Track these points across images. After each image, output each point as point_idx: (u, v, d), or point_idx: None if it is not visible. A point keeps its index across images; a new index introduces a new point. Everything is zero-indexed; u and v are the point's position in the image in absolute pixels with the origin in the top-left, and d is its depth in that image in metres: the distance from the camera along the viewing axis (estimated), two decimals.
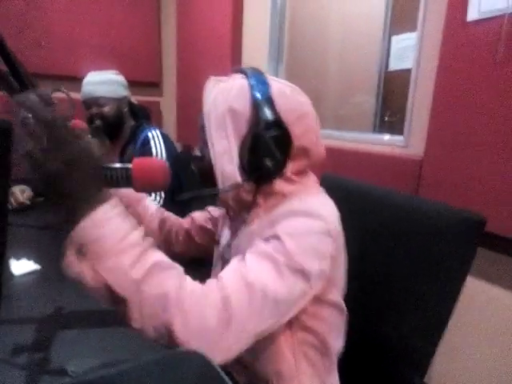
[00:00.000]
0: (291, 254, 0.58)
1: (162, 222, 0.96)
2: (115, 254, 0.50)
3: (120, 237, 0.51)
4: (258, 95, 0.65)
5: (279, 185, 0.69)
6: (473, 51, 0.98)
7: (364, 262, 0.83)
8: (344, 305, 0.71)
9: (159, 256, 0.55)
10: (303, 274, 0.58)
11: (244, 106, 0.66)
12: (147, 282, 0.51)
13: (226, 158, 0.67)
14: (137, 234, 0.53)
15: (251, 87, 0.66)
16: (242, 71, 0.71)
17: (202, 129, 0.72)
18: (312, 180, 0.75)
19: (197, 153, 0.77)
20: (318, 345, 0.68)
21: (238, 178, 0.66)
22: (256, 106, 0.65)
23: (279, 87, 0.68)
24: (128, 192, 0.91)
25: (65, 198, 0.50)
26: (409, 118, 1.26)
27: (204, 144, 0.72)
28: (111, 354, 0.68)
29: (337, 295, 0.69)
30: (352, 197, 0.95)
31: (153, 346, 0.70)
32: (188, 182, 1.69)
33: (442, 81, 1.08)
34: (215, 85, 0.71)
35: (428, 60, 1.16)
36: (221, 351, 0.53)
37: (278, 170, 0.66)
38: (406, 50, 2.37)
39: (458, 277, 0.71)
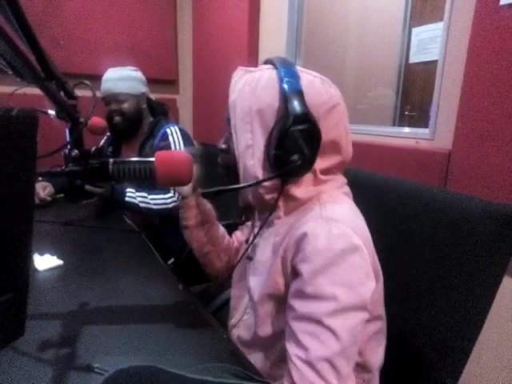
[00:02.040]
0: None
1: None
2: None
3: None
4: (287, 87, 0.61)
5: (306, 184, 0.66)
6: (506, 37, 0.93)
7: (393, 261, 0.80)
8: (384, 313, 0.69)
9: None
10: None
11: (272, 99, 0.63)
12: None
13: (249, 152, 0.65)
14: None
15: (280, 79, 0.63)
16: (270, 62, 0.69)
17: (228, 121, 0.69)
18: (338, 182, 0.71)
19: (221, 146, 0.74)
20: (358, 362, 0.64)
21: (259, 175, 0.64)
22: (285, 99, 0.61)
23: (309, 79, 0.65)
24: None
25: None
26: (435, 110, 1.22)
27: (229, 136, 0.70)
28: (136, 351, 0.67)
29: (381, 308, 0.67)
30: (377, 191, 0.92)
31: (179, 343, 0.69)
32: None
33: (472, 70, 1.03)
34: (243, 75, 0.68)
35: (456, 50, 1.12)
36: None
37: (306, 166, 0.63)
38: (427, 41, 2.31)
39: (493, 275, 0.68)
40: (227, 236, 1.00)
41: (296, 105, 0.60)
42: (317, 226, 0.60)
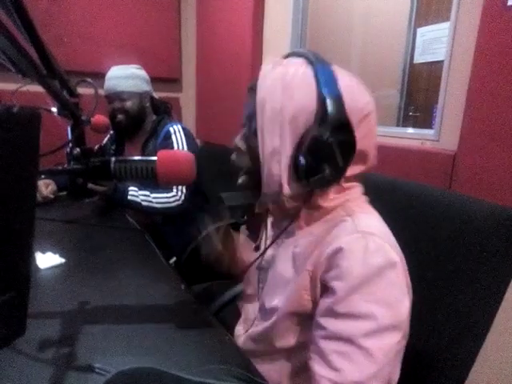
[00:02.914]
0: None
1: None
2: None
3: None
4: (327, 90, 0.55)
5: (330, 193, 0.61)
6: None
7: None
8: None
9: None
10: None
11: (308, 100, 0.57)
12: None
13: (275, 158, 0.59)
14: None
15: (317, 78, 0.57)
16: (302, 55, 0.61)
17: (250, 118, 0.63)
18: (360, 189, 0.68)
19: (238, 144, 0.69)
20: None
21: (284, 182, 0.59)
22: (323, 102, 0.55)
23: (348, 83, 0.59)
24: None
25: None
26: (440, 111, 1.20)
27: (251, 135, 0.63)
28: (137, 351, 0.66)
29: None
30: (381, 193, 0.90)
31: (181, 343, 0.69)
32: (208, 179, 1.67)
33: (479, 71, 1.02)
34: (273, 69, 0.61)
35: (462, 50, 1.10)
36: None
37: (336, 178, 0.58)
38: (432, 42, 2.29)
39: (500, 279, 0.66)
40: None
41: (336, 111, 0.54)
42: (352, 241, 0.56)
